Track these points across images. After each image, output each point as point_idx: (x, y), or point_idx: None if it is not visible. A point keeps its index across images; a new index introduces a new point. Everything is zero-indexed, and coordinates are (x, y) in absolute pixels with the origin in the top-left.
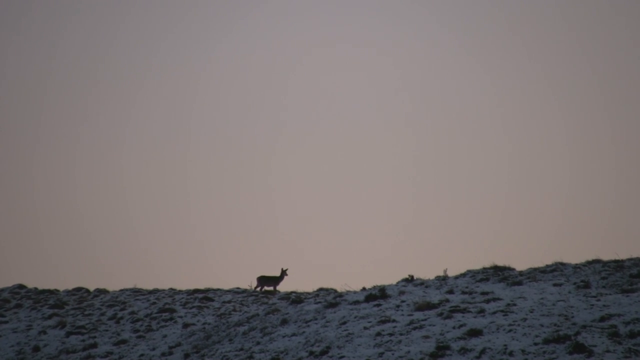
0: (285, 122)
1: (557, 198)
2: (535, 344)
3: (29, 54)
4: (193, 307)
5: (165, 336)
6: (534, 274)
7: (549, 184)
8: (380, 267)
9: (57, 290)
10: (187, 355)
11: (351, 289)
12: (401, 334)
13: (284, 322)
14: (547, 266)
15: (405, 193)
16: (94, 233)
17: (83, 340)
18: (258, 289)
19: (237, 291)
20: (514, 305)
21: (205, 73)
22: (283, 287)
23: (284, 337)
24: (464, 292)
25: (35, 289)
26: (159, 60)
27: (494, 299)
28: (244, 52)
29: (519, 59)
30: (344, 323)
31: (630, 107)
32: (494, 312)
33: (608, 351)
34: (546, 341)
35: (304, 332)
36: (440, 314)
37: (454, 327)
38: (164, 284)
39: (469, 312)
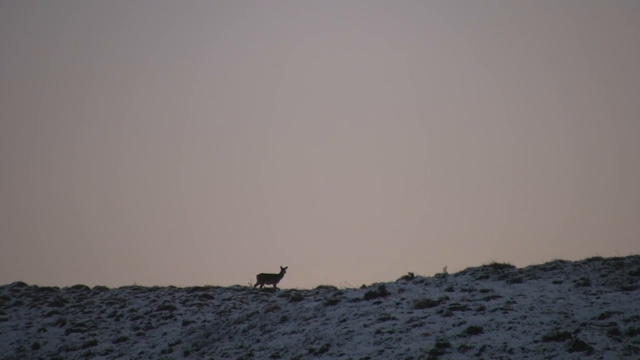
0: (287, 120)
1: (557, 196)
2: (535, 341)
3: (26, 53)
4: (193, 304)
5: (165, 334)
6: (533, 272)
7: (549, 182)
8: (380, 265)
9: (57, 288)
10: (187, 353)
11: (351, 287)
12: (401, 332)
13: (284, 319)
14: (547, 264)
15: (406, 191)
16: (94, 231)
17: (83, 338)
18: (258, 286)
19: (236, 289)
20: (514, 302)
21: (205, 71)
22: (283, 284)
23: (283, 334)
24: (463, 290)
25: (35, 286)
26: (154, 59)
27: (494, 297)
28: (242, 51)
29: (523, 59)
30: (344, 320)
31: (631, 106)
32: (494, 310)
33: (608, 349)
34: (546, 339)
35: (303, 329)
36: (440, 312)
37: (453, 325)
38: (164, 282)
39: (468, 309)
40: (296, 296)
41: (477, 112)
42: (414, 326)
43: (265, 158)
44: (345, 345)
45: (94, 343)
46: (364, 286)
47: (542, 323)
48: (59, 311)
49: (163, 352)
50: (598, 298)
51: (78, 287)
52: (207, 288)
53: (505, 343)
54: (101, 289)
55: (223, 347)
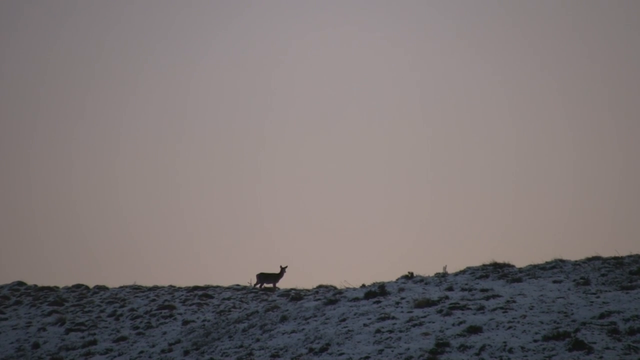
0: (287, 119)
1: (557, 195)
2: (535, 340)
3: (26, 53)
4: (193, 304)
5: (164, 333)
6: (533, 271)
7: (549, 181)
8: (380, 265)
9: (57, 287)
10: (186, 352)
11: (351, 286)
12: (401, 331)
13: (284, 319)
14: (547, 263)
15: (406, 191)
16: (94, 230)
17: (83, 337)
18: (258, 286)
19: (236, 288)
20: (514, 302)
21: (203, 70)
22: (282, 284)
23: (283, 334)
24: (463, 289)
25: (35, 286)
26: (153, 59)
27: (494, 296)
28: (244, 50)
29: (525, 58)
30: (344, 320)
31: (631, 106)
32: (494, 309)
33: (608, 348)
34: (546, 338)
35: (303, 329)
36: (440, 311)
37: (453, 324)
38: (164, 281)
39: (468, 309)
40: (296, 296)
41: (477, 111)
42: (414, 325)
43: (265, 157)
44: (345, 344)
45: (94, 342)
46: (363, 285)
47: (542, 322)
48: (58, 310)
49: (163, 351)
50: (598, 297)
51: (78, 286)
52: (206, 287)
53: (505, 342)
54: (101, 288)
55: (223, 347)
